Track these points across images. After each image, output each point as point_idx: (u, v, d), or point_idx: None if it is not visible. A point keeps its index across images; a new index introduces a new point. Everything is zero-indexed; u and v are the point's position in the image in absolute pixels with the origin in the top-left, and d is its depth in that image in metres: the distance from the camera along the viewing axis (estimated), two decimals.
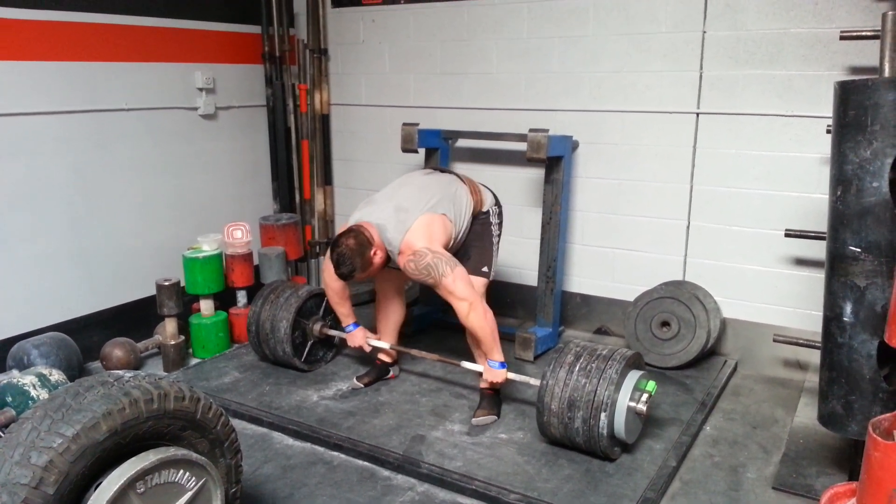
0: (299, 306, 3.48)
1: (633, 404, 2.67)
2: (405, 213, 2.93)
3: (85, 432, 1.73)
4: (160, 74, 3.98)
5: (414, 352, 3.35)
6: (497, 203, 3.32)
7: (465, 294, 2.87)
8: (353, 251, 2.84)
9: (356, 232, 2.88)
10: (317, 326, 3.58)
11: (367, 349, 3.41)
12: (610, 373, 2.65)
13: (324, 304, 3.65)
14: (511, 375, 3.01)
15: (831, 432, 2.54)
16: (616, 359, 2.70)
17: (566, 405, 2.68)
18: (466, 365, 3.14)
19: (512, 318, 4.25)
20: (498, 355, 2.99)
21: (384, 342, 3.41)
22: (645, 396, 2.71)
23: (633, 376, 2.73)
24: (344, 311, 3.36)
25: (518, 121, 4.03)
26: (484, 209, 3.23)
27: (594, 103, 3.86)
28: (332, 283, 3.23)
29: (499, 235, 3.29)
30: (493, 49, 4.11)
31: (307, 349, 3.59)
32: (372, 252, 2.89)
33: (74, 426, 1.73)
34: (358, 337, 3.39)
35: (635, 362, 2.81)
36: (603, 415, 2.62)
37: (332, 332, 3.63)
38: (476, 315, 2.88)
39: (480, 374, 3.09)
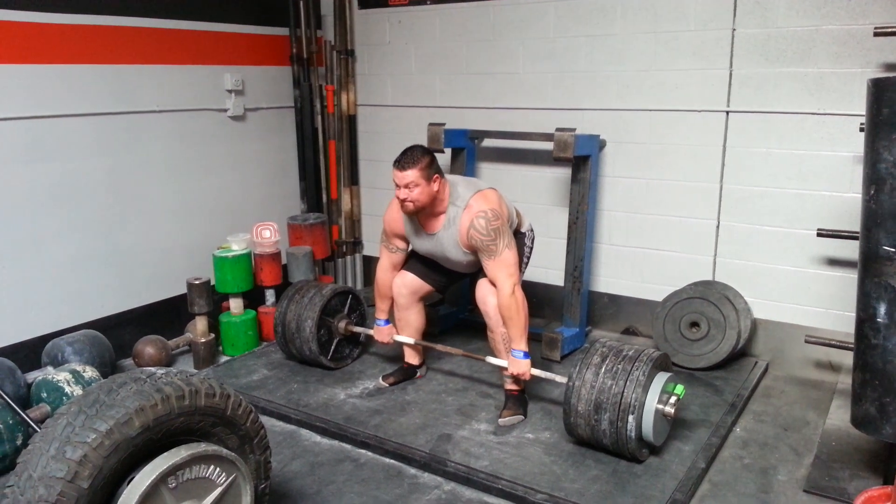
0: (324, 305, 3.51)
1: (660, 406, 2.65)
2: (475, 181, 3.03)
3: (118, 428, 1.77)
4: (190, 77, 4.04)
5: (439, 347, 3.37)
6: (532, 229, 3.35)
7: (515, 273, 2.92)
8: (425, 152, 2.90)
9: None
10: (342, 324, 3.61)
11: (392, 344, 3.46)
12: (637, 374, 2.63)
13: (348, 301, 3.68)
14: (536, 372, 3.00)
15: (865, 435, 2.50)
16: (643, 360, 2.69)
17: (593, 407, 2.67)
18: (491, 360, 3.14)
19: (539, 317, 4.24)
20: (524, 345, 2.97)
21: (409, 338, 3.42)
22: (673, 399, 2.69)
23: (661, 378, 2.70)
24: (383, 305, 3.41)
25: (544, 120, 4.02)
26: (522, 229, 3.27)
27: (621, 102, 3.84)
28: (382, 274, 3.33)
29: (528, 258, 3.31)
30: (520, 49, 4.10)
31: (333, 347, 3.61)
32: (436, 175, 2.91)
33: (108, 422, 1.77)
34: (385, 332, 3.42)
35: (662, 364, 2.79)
36: (630, 417, 2.60)
37: (358, 330, 3.65)
38: (517, 297, 2.92)
39: (505, 369, 3.09)
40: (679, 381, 2.78)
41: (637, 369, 2.65)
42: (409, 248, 3.29)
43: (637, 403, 2.60)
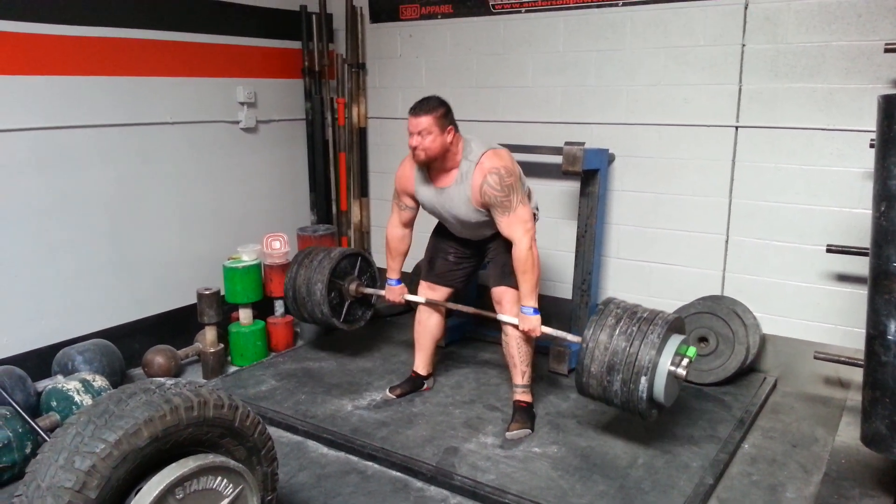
0: (333, 267, 3.52)
1: (673, 368, 2.63)
2: (488, 140, 3.06)
3: (127, 438, 1.77)
4: (203, 89, 4.08)
5: (451, 305, 3.34)
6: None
7: (531, 228, 2.93)
8: (441, 102, 2.92)
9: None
10: (352, 286, 3.61)
11: (403, 303, 3.46)
12: (652, 337, 2.61)
13: (358, 263, 3.69)
14: (546, 329, 2.98)
15: (875, 453, 2.48)
16: (658, 322, 2.66)
17: (605, 368, 2.65)
18: (502, 317, 3.10)
19: None
20: (534, 301, 2.97)
21: (420, 297, 3.38)
22: (685, 361, 2.66)
23: (675, 340, 2.68)
24: (394, 264, 3.41)
25: (554, 134, 4.03)
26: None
27: (631, 117, 3.85)
28: (392, 230, 3.34)
29: None
30: (529, 63, 4.12)
31: (345, 309, 3.62)
32: (451, 127, 2.92)
33: (117, 432, 1.77)
34: (396, 292, 3.42)
35: (678, 326, 2.77)
36: (643, 378, 2.58)
37: (369, 291, 3.66)
38: (534, 253, 2.92)
39: (516, 326, 3.05)
40: (691, 344, 2.79)
41: (652, 332, 2.63)
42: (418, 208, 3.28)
43: (650, 365, 2.58)
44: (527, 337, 3.12)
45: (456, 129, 2.95)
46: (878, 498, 2.59)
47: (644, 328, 2.65)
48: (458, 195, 2.99)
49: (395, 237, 3.36)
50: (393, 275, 3.43)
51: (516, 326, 3.05)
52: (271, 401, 3.42)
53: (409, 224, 3.33)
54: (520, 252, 2.91)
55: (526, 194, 3.01)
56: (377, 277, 3.80)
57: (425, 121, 2.86)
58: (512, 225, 2.92)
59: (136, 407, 1.84)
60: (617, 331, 2.68)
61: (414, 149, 2.92)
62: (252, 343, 3.98)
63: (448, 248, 3.33)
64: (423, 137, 2.87)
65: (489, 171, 2.89)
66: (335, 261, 3.55)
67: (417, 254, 3.54)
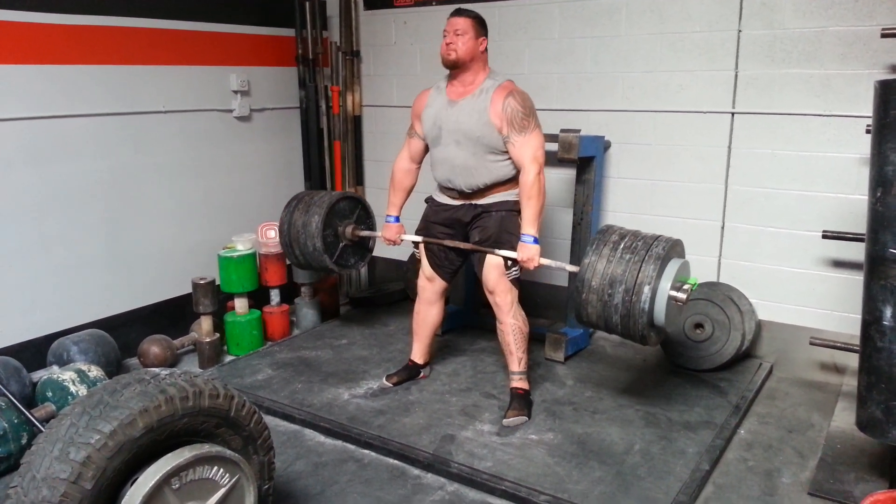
0: (332, 204, 3.50)
1: (673, 292, 2.62)
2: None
3: (122, 429, 1.77)
4: (196, 77, 4.05)
5: (448, 242, 3.21)
6: None
7: (541, 157, 2.97)
8: (480, 16, 3.02)
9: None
10: (349, 228, 3.58)
11: (399, 243, 3.43)
12: (657, 250, 2.62)
13: (357, 209, 3.66)
14: (545, 261, 2.96)
15: (870, 438, 2.49)
16: (661, 241, 2.67)
17: (608, 282, 2.63)
18: (500, 252, 3.04)
19: (543, 318, 4.23)
20: (535, 230, 2.96)
21: (417, 237, 3.32)
22: (686, 286, 2.67)
23: (676, 263, 2.68)
24: (395, 199, 3.38)
25: (550, 121, 3.98)
26: None
27: (627, 104, 3.83)
28: (399, 163, 3.33)
29: None
30: (525, 50, 4.10)
31: (339, 251, 3.58)
32: (484, 38, 3.03)
33: (112, 423, 1.77)
34: (394, 230, 3.39)
35: (679, 250, 2.78)
36: (647, 288, 2.56)
37: (365, 233, 3.63)
38: (541, 180, 2.94)
39: (514, 261, 3.02)
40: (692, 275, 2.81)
41: (657, 246, 2.64)
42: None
43: (654, 275, 2.57)
44: (521, 326, 3.12)
45: (486, 45, 3.04)
46: (874, 482, 2.61)
47: (648, 242, 2.66)
48: (472, 107, 3.00)
49: (402, 169, 3.33)
50: (393, 210, 3.39)
51: (514, 260, 3.02)
52: (268, 390, 3.42)
53: (417, 158, 3.31)
54: (527, 178, 2.93)
55: (540, 128, 3.02)
56: (375, 229, 3.72)
57: (463, 21, 2.97)
58: (524, 146, 2.94)
59: (131, 397, 1.84)
60: (621, 246, 2.67)
61: (447, 45, 2.98)
62: (248, 332, 3.98)
63: (437, 234, 3.26)
64: (456, 37, 2.95)
65: (515, 91, 2.99)
66: (335, 199, 3.53)
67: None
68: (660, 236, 2.71)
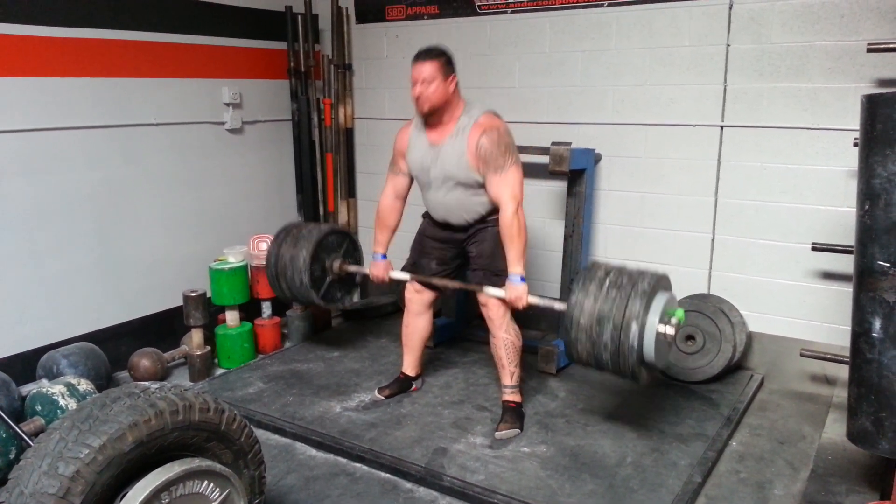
0: (320, 239, 3.47)
1: (662, 327, 2.59)
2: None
3: (111, 443, 1.76)
4: (188, 90, 4.06)
5: (436, 280, 3.24)
6: None
7: (518, 194, 2.92)
8: (443, 52, 2.94)
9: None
10: (336, 263, 3.55)
11: (387, 281, 3.39)
12: (642, 286, 2.59)
13: (345, 243, 3.64)
14: (533, 299, 2.94)
15: (861, 449, 2.50)
16: (646, 276, 2.65)
17: (595, 319, 2.61)
18: (489, 290, 3.03)
19: (535, 330, 4.23)
20: (521, 269, 2.93)
21: (405, 274, 3.32)
22: (674, 320, 2.64)
23: (663, 297, 2.65)
24: (381, 237, 3.35)
25: (541, 134, 4.02)
26: None
27: (617, 117, 3.86)
28: (385, 201, 3.28)
29: None
30: (516, 63, 4.13)
31: (325, 286, 3.55)
32: (453, 75, 2.94)
33: (101, 437, 1.76)
34: (381, 267, 3.36)
35: (665, 283, 2.75)
36: (634, 324, 2.54)
37: (353, 269, 3.60)
38: (519, 218, 2.90)
39: (502, 300, 3.00)
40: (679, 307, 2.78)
41: (642, 281, 2.61)
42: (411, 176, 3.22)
43: (641, 311, 2.55)
44: (513, 340, 3.12)
45: (456, 80, 2.96)
46: (865, 493, 2.62)
47: (634, 278, 2.64)
48: (452, 150, 2.97)
49: (386, 206, 3.30)
50: (379, 248, 3.36)
51: (502, 300, 3.01)
52: (259, 403, 3.40)
53: (401, 195, 3.29)
54: (505, 217, 2.90)
55: (519, 163, 2.97)
56: (363, 263, 3.72)
57: (429, 67, 2.87)
58: (501, 185, 2.91)
59: (120, 411, 1.82)
60: (606, 282, 2.65)
61: (417, 98, 2.92)
62: (239, 345, 3.96)
63: (432, 250, 3.29)
64: (426, 86, 2.88)
65: (488, 128, 2.91)
66: (324, 233, 3.51)
67: (403, 253, 3.52)
68: (645, 271, 2.69)
